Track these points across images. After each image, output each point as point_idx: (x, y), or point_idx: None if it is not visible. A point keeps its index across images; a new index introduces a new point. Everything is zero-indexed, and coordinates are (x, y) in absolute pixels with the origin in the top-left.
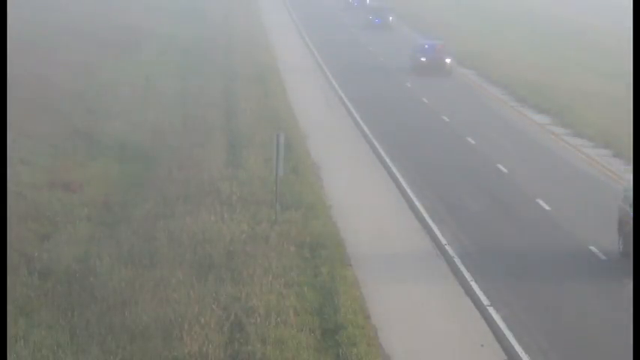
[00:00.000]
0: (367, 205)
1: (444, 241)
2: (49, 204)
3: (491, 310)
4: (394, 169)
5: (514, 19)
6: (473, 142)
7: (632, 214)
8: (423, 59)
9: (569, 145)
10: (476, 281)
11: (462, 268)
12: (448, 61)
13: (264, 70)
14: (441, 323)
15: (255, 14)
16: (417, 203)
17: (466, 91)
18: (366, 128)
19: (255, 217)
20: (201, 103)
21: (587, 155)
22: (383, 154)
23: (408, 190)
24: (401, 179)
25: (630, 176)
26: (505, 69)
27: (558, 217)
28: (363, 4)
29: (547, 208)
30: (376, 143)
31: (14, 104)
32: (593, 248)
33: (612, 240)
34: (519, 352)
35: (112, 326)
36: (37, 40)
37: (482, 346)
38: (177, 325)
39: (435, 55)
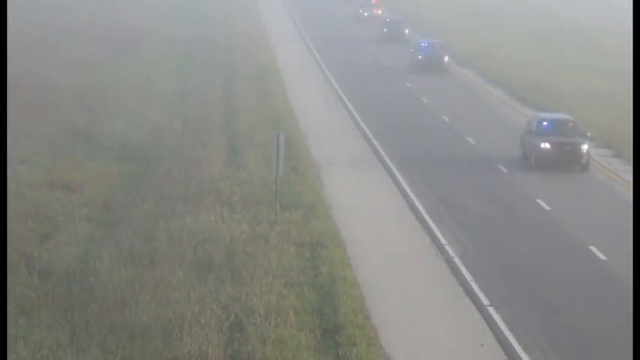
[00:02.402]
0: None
1: (444, 241)
2: (49, 204)
3: (491, 310)
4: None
5: (514, 18)
6: (473, 142)
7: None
8: (547, 146)
9: None
10: (476, 281)
11: (462, 269)
12: (585, 147)
13: (264, 71)
14: (441, 323)
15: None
16: (417, 203)
17: (466, 90)
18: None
19: (255, 217)
20: (201, 103)
21: None
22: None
23: (408, 190)
24: (400, 178)
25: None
26: (505, 69)
27: (558, 217)
28: (398, 34)
29: (547, 208)
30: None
31: (14, 104)
32: (593, 248)
33: (612, 240)
34: (519, 352)
35: (112, 326)
36: (37, 39)
37: (482, 346)
38: (177, 325)
39: (566, 140)
